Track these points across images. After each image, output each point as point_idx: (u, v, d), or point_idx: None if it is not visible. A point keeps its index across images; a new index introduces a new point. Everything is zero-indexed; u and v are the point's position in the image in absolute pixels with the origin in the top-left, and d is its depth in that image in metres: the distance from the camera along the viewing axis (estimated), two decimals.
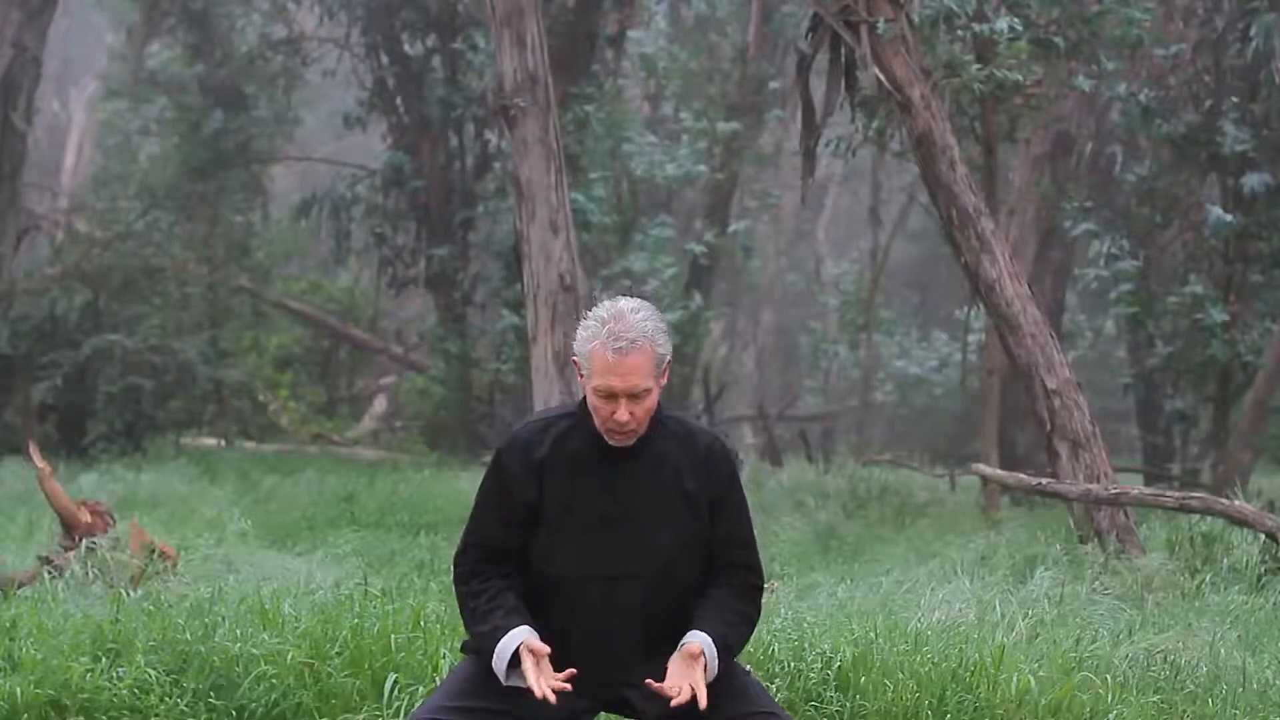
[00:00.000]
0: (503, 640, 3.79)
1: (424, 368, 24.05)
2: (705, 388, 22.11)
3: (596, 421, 3.88)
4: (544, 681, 3.71)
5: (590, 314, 3.90)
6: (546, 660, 3.76)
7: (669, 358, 3.89)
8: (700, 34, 24.70)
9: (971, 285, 11.17)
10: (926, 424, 29.25)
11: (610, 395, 3.82)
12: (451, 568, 4.03)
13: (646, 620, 3.90)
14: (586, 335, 3.85)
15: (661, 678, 3.80)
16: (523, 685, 3.78)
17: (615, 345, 3.79)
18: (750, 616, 3.96)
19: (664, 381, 3.90)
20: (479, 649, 3.91)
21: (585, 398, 3.93)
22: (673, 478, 3.92)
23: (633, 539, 3.89)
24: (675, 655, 3.80)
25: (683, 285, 22.54)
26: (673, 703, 3.70)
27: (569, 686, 3.71)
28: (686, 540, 3.91)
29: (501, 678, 3.81)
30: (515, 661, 3.79)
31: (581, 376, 3.89)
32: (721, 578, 3.97)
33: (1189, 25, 16.39)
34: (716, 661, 3.81)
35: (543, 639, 3.83)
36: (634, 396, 3.81)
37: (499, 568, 3.93)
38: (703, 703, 3.71)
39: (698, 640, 3.80)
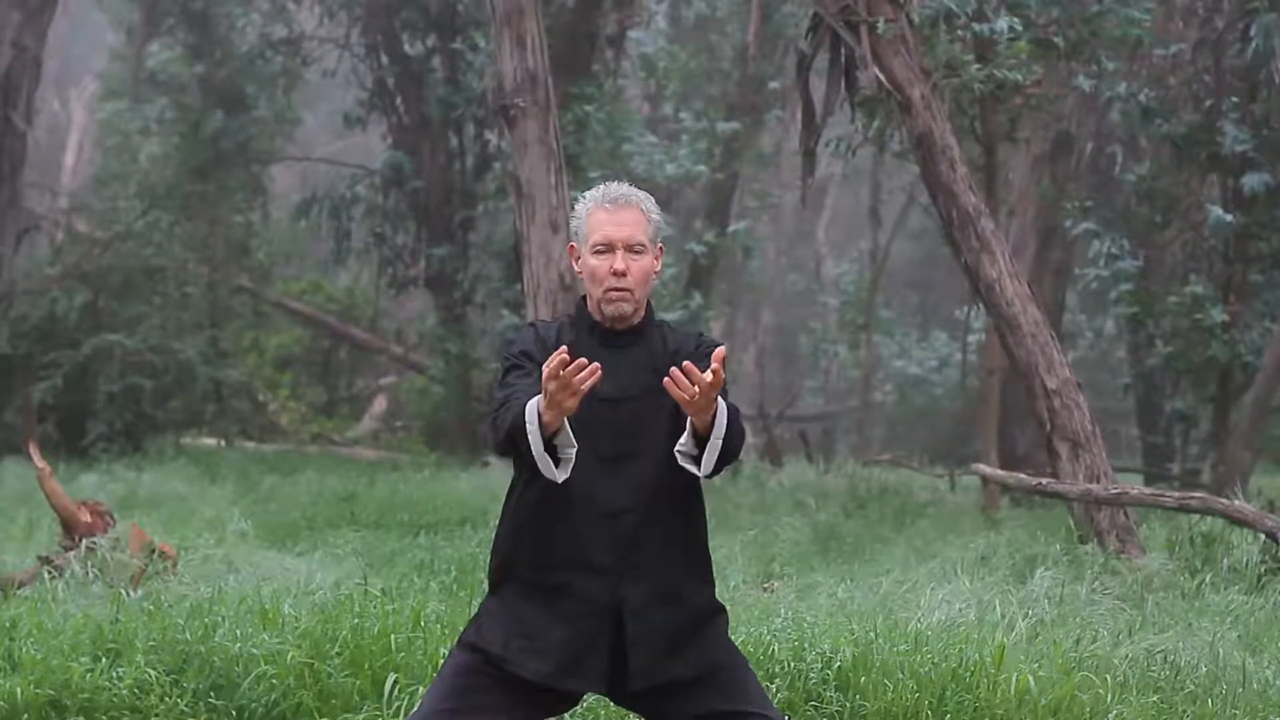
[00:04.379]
0: (526, 405, 3.74)
1: (424, 368, 24.06)
2: None
3: (595, 292, 3.95)
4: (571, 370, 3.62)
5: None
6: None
7: (661, 244, 4.01)
8: (700, 34, 24.72)
9: (971, 285, 11.16)
10: (926, 424, 29.29)
11: (608, 248, 3.93)
12: (487, 433, 4.04)
13: (647, 503, 3.93)
14: (582, 205, 4.01)
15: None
16: (553, 470, 3.74)
17: (611, 198, 3.97)
18: (743, 427, 3.93)
19: (659, 268, 4.02)
20: (514, 435, 3.80)
21: (580, 304, 4.02)
22: (667, 363, 3.95)
23: (631, 421, 3.96)
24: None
25: (683, 285, 22.54)
26: (691, 378, 3.64)
27: (599, 368, 3.64)
28: (682, 422, 3.93)
29: (535, 448, 3.73)
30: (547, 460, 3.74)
31: (578, 260, 4.00)
32: None
33: (1189, 25, 16.40)
34: (725, 413, 3.76)
35: (549, 532, 3.88)
36: (631, 250, 3.93)
37: None
38: (712, 380, 3.65)
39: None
